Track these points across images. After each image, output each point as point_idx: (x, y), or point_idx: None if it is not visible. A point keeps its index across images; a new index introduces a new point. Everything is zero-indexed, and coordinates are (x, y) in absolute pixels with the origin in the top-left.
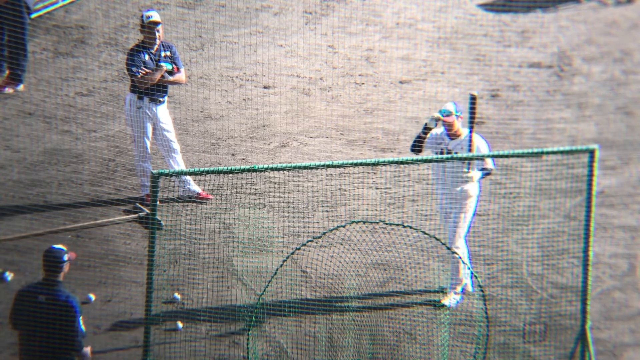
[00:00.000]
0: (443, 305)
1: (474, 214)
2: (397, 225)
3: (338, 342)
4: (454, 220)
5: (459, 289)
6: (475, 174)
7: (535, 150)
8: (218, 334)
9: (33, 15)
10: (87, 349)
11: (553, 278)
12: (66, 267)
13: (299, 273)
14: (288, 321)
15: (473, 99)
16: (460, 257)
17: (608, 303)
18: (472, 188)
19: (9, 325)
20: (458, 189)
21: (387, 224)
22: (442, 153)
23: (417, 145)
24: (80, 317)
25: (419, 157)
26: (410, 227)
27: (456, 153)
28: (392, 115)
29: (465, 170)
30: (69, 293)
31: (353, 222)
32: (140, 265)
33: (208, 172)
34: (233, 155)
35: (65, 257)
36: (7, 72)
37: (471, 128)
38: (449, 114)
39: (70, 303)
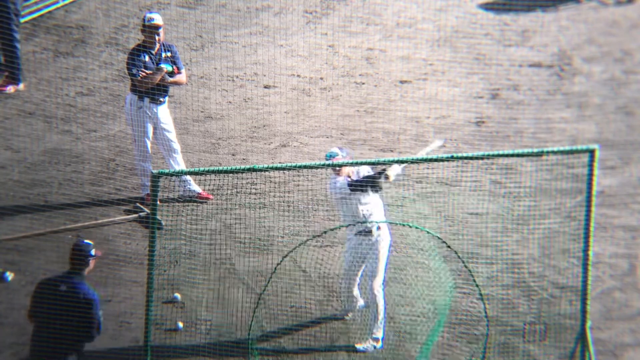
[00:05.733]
0: (357, 350)
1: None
2: (397, 224)
3: (338, 342)
4: (372, 266)
5: (378, 334)
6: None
7: (535, 150)
8: (218, 334)
9: (24, 19)
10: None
11: (553, 278)
12: (92, 263)
13: (299, 273)
14: (288, 321)
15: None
16: (377, 301)
17: (608, 303)
18: (384, 233)
19: (27, 317)
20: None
21: (390, 222)
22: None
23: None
24: (101, 311)
25: (419, 157)
26: (410, 226)
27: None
28: (393, 115)
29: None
30: (90, 287)
31: (356, 222)
32: (141, 265)
33: (208, 172)
34: (233, 155)
35: (93, 252)
36: (5, 73)
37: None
38: (336, 156)
39: (92, 296)
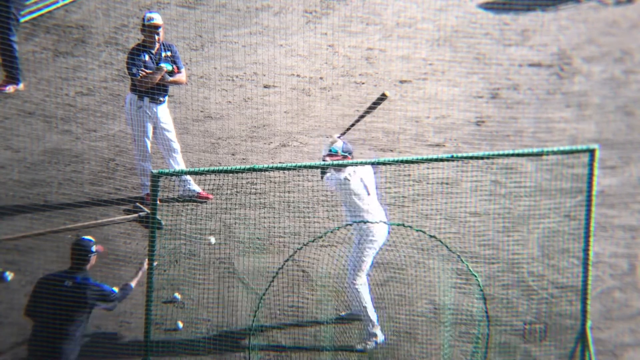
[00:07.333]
0: (358, 350)
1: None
2: (398, 225)
3: (337, 342)
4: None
5: (375, 329)
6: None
7: (535, 150)
8: (218, 334)
9: (24, 19)
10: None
11: (553, 278)
12: (93, 259)
13: (300, 273)
14: (288, 321)
15: (383, 97)
16: (361, 296)
17: (608, 303)
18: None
19: (23, 315)
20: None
21: (387, 224)
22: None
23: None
24: (104, 284)
25: (419, 157)
26: (411, 227)
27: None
28: (392, 115)
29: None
30: (95, 280)
31: (354, 222)
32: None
33: (208, 171)
34: (233, 154)
35: (94, 249)
36: (4, 73)
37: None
38: (335, 153)
39: (99, 285)
